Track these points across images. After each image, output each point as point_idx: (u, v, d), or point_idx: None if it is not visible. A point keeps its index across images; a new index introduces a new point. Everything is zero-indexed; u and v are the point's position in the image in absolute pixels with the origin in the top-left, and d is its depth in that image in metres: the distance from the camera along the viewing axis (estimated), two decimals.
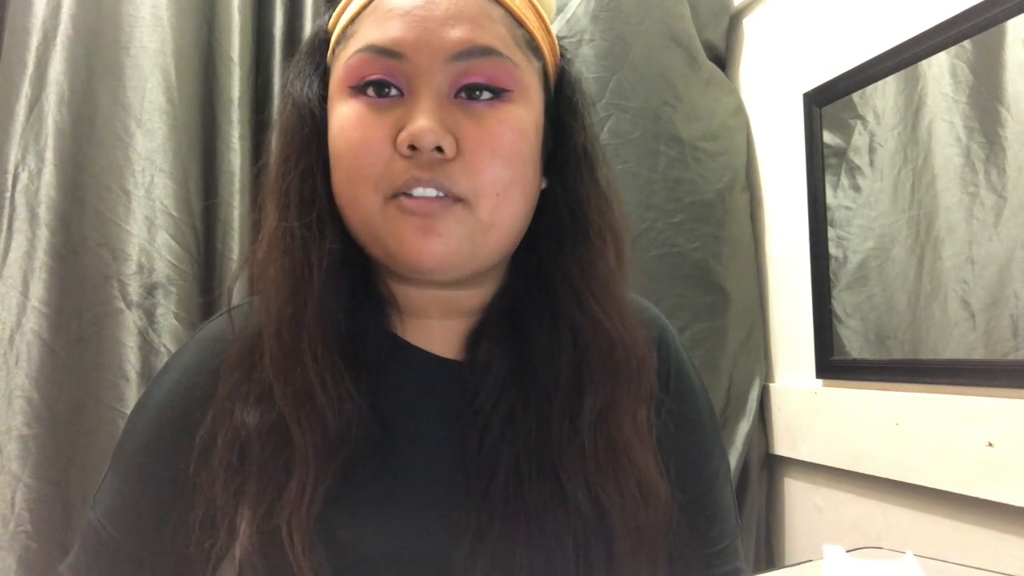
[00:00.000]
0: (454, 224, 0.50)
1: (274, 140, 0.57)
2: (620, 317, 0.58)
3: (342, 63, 0.52)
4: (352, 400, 0.52)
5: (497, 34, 0.51)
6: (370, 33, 0.51)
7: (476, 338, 0.58)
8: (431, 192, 0.49)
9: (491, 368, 0.56)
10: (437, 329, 0.59)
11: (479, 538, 0.52)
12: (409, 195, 0.49)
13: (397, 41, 0.49)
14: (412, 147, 0.48)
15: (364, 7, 0.53)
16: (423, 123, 0.47)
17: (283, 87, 0.59)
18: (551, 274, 0.57)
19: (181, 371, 0.59)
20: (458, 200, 0.50)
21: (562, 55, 0.61)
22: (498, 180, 0.50)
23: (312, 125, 0.54)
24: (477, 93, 0.51)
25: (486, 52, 0.50)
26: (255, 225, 0.58)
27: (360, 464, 0.53)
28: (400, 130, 0.49)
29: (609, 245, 0.58)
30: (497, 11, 0.52)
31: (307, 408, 0.51)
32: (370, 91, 0.50)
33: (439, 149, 0.48)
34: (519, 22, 0.54)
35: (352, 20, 0.53)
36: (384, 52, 0.50)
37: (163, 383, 0.59)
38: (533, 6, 0.57)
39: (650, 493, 0.56)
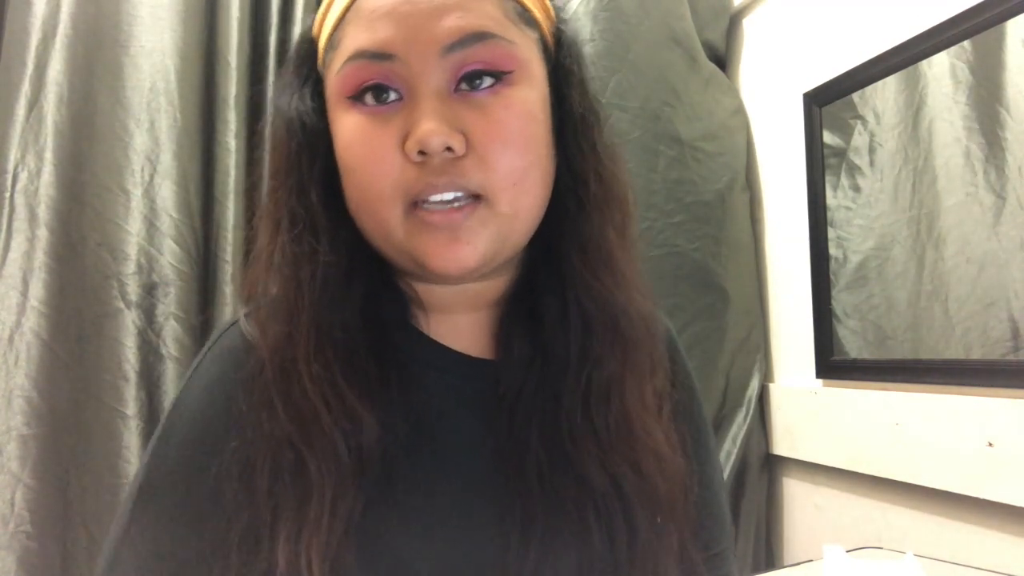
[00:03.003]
0: (479, 227, 0.49)
1: (267, 157, 0.56)
2: (624, 289, 0.56)
3: (335, 73, 0.50)
4: (363, 420, 0.50)
5: (488, 14, 0.49)
6: (357, 38, 0.49)
7: (507, 334, 0.57)
8: (448, 195, 0.48)
9: (513, 353, 0.55)
10: (464, 324, 0.58)
11: (527, 527, 0.51)
12: (427, 202, 0.48)
13: (386, 42, 0.48)
14: (422, 152, 0.47)
15: (346, 11, 0.51)
16: (429, 126, 0.46)
17: (271, 101, 0.58)
18: (555, 250, 0.56)
19: (203, 388, 0.55)
20: (476, 197, 0.48)
21: (557, 15, 0.58)
22: (513, 170, 0.49)
23: (302, 137, 0.53)
24: (478, 82, 0.49)
25: (480, 37, 0.48)
26: (248, 241, 0.55)
27: (399, 473, 0.51)
28: (406, 136, 0.47)
29: (608, 217, 0.56)
30: None
31: (314, 432, 0.49)
32: (368, 98, 0.49)
33: (449, 149, 0.47)
34: None
35: (337, 26, 0.51)
36: (376, 56, 0.48)
37: (186, 404, 0.55)
38: None
39: (663, 465, 0.55)
